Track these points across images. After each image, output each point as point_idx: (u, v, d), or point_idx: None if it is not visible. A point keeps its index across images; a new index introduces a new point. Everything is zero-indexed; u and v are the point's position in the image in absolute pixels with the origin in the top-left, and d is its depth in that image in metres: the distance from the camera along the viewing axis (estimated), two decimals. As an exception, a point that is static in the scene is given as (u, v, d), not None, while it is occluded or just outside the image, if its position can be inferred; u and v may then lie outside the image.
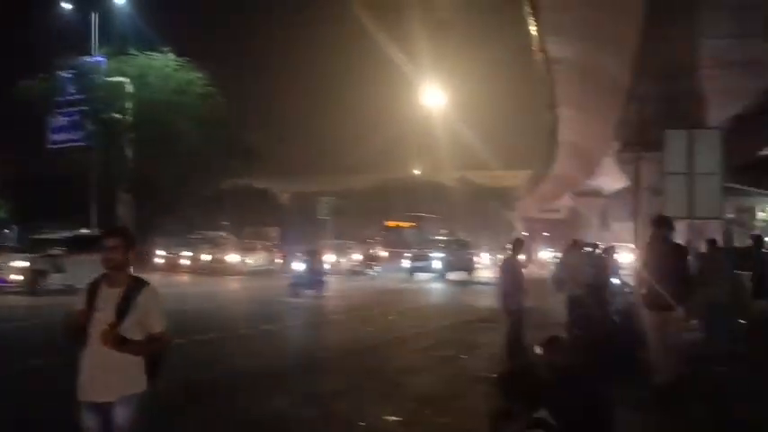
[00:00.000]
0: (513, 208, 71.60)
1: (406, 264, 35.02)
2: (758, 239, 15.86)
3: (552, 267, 35.80)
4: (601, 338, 9.22)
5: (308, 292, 21.11)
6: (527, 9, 15.88)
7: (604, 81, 18.98)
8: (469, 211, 62.39)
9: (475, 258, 39.55)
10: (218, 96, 33.40)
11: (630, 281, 15.07)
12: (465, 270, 34.95)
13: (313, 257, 23.03)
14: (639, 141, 16.04)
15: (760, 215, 40.67)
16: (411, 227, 41.40)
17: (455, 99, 45.90)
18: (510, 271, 10.66)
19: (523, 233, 57.39)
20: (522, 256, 11.78)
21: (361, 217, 56.64)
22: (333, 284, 23.81)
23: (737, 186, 28.60)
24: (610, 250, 15.90)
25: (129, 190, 32.26)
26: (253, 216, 48.41)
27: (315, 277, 21.91)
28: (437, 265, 33.33)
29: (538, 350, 4.79)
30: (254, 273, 31.63)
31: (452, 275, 33.32)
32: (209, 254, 31.74)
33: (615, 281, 15.18)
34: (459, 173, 68.74)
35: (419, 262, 34.03)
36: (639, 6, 13.31)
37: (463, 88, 65.40)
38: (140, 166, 32.03)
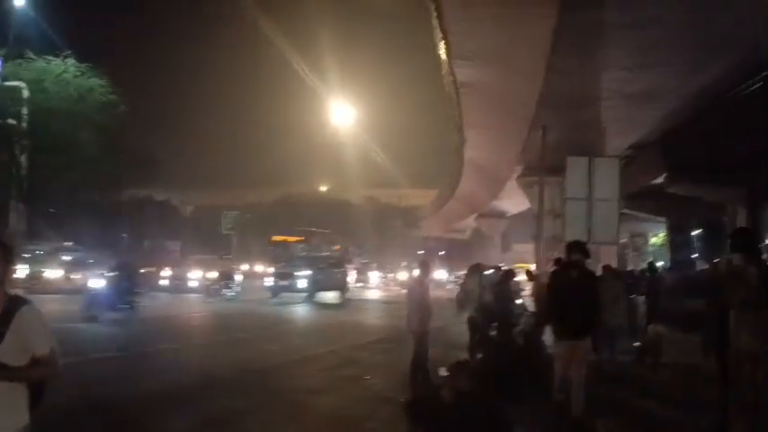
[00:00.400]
0: (418, 227, 72.34)
1: (267, 283, 30.67)
2: (651, 266, 16.60)
3: (450, 287, 36.51)
4: (504, 362, 9.33)
5: (111, 314, 17.56)
6: (437, 33, 16.09)
7: (510, 107, 19.46)
8: (376, 228, 62.61)
9: (349, 277, 35.51)
10: (120, 105, 32.23)
11: (531, 303, 15.41)
12: (337, 290, 31.71)
13: (124, 272, 19.17)
14: (542, 166, 16.47)
15: (652, 240, 42.79)
16: (298, 241, 38.28)
17: (365, 116, 46.11)
18: (416, 292, 10.65)
19: (419, 252, 57.59)
20: (429, 278, 11.76)
21: (267, 232, 55.84)
22: (163, 305, 21.58)
23: (632, 212, 30.01)
24: (510, 273, 16.15)
25: (23, 200, 30.60)
26: (154, 229, 46.92)
27: (122, 296, 18.26)
28: (303, 284, 29.12)
29: (443, 372, 4.85)
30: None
31: (325, 295, 30.25)
32: (34, 268, 27.33)
33: (518, 301, 15.43)
34: (368, 190, 68.97)
35: (283, 281, 29.55)
36: (546, 37, 13.71)
37: (374, 106, 66.12)
38: (35, 174, 30.45)
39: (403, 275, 47.91)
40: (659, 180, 24.29)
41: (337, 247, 44.63)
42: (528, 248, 36.38)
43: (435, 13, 14.57)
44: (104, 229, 38.88)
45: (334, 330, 19.35)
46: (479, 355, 10.47)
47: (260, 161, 74.83)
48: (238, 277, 31.51)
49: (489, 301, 12.70)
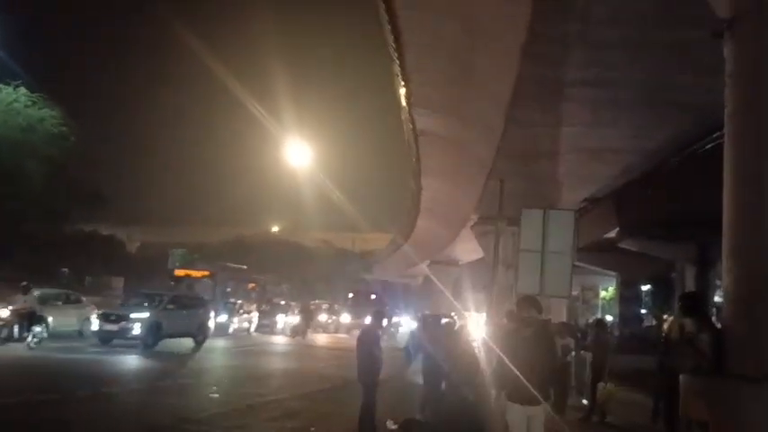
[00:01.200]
0: (371, 271, 72.03)
1: (93, 326, 22.76)
2: (600, 322, 16.51)
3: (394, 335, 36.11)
4: (455, 419, 9.05)
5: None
6: (398, 80, 16.06)
7: (468, 156, 19.49)
8: (331, 272, 62.14)
9: (211, 321, 27.64)
10: (70, 137, 31.54)
11: (480, 353, 15.13)
12: (191, 335, 25.17)
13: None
14: (497, 215, 16.46)
15: (602, 294, 43.26)
16: (204, 276, 34.40)
17: (322, 158, 45.90)
18: (366, 341, 10.37)
19: (349, 295, 55.36)
20: (381, 326, 11.44)
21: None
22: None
23: (583, 265, 30.25)
24: (461, 325, 15.79)
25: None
26: (97, 265, 45.63)
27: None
28: (138, 329, 21.90)
29: (391, 425, 4.62)
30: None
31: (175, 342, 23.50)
32: None
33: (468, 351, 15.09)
34: (323, 233, 68.63)
35: (111, 324, 22.23)
36: (505, 91, 13.78)
37: (331, 147, 66.10)
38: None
39: (345, 318, 46.07)
40: (612, 234, 24.57)
41: (252, 285, 42.62)
42: (480, 297, 36.40)
43: (398, 61, 14.53)
44: (44, 263, 37.61)
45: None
46: (429, 414, 10.11)
47: (212, 201, 74.29)
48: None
49: (441, 352, 12.37)
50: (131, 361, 19.02)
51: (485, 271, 27.21)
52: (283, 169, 48.42)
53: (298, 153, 40.43)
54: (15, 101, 30.59)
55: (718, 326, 5.65)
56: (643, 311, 36.15)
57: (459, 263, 49.26)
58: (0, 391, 11.80)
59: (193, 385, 15.40)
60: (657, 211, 20.65)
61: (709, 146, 15.13)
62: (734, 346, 5.17)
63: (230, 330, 32.48)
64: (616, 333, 30.38)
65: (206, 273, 35.44)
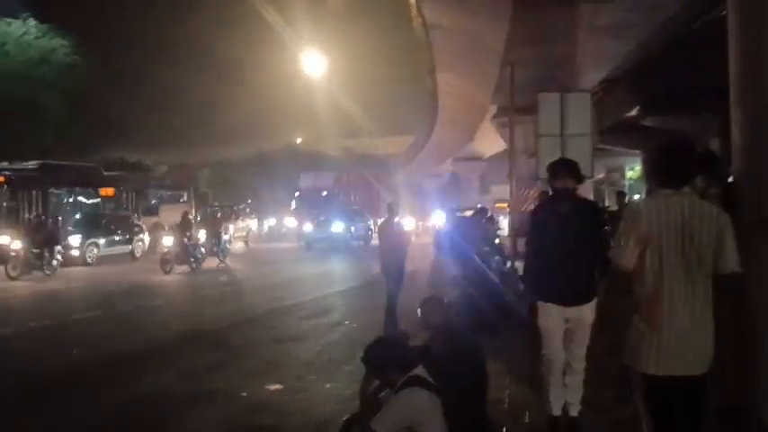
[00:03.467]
0: (394, 175, 72.30)
1: None
2: (621, 193, 16.60)
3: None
4: (480, 298, 9.38)
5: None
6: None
7: (481, 46, 19.24)
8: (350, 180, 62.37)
9: None
10: (83, 66, 31.50)
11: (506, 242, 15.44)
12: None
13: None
14: (514, 105, 16.38)
15: (629, 174, 43.02)
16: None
17: (336, 66, 45.11)
18: (387, 233, 10.82)
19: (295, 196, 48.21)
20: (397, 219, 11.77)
21: (244, 188, 55.65)
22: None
23: (607, 147, 30.03)
24: (483, 211, 15.95)
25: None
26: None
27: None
28: None
29: (418, 312, 4.89)
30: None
31: None
32: None
33: (496, 241, 15.37)
34: (341, 141, 68.60)
35: None
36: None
37: (344, 55, 65.06)
38: (2, 141, 29.90)
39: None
40: (633, 113, 24.28)
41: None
42: (506, 190, 36.42)
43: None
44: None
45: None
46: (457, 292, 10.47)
47: (230, 116, 73.58)
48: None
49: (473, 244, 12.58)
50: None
51: (508, 162, 27.19)
52: (300, 81, 47.82)
53: (313, 62, 40.12)
54: (26, 33, 30.45)
55: (730, 179, 5.73)
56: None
57: (484, 157, 49.16)
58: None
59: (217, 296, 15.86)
60: (677, 85, 20.25)
61: (724, 12, 14.73)
62: (742, 194, 5.34)
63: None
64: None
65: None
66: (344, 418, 4.61)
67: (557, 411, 5.46)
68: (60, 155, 32.96)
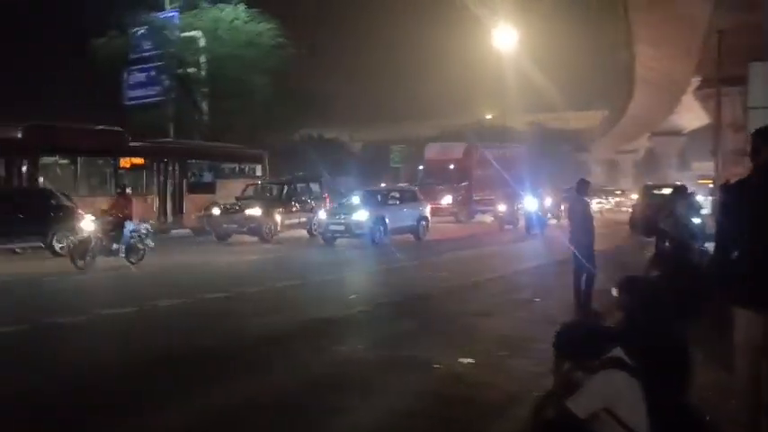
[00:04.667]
0: (587, 150, 70.05)
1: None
2: None
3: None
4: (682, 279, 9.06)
5: None
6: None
7: (683, 14, 18.23)
8: (540, 154, 61.19)
9: None
10: (288, 47, 33.43)
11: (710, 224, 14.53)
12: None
13: None
14: (720, 76, 15.45)
15: None
16: None
17: (527, 40, 44.20)
18: (577, 210, 10.67)
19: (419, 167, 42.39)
20: (587, 198, 11.51)
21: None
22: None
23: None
24: (683, 188, 15.11)
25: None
26: (326, 167, 48.84)
27: None
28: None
29: (614, 292, 4.77)
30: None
31: None
32: None
33: (696, 221, 14.59)
34: (530, 116, 67.46)
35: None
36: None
37: (535, 29, 63.52)
38: (214, 120, 32.64)
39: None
40: None
41: None
42: (709, 166, 34.15)
43: None
44: (279, 169, 40.99)
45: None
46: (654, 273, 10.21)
47: (419, 93, 74.67)
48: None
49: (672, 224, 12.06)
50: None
51: (713, 137, 25.49)
52: (491, 57, 47.34)
53: (504, 38, 39.73)
54: (236, 18, 32.84)
55: None
56: None
57: (684, 131, 46.42)
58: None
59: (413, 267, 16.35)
60: None
61: None
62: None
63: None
64: None
65: None
66: (537, 396, 4.59)
67: None
68: (265, 131, 35.39)
